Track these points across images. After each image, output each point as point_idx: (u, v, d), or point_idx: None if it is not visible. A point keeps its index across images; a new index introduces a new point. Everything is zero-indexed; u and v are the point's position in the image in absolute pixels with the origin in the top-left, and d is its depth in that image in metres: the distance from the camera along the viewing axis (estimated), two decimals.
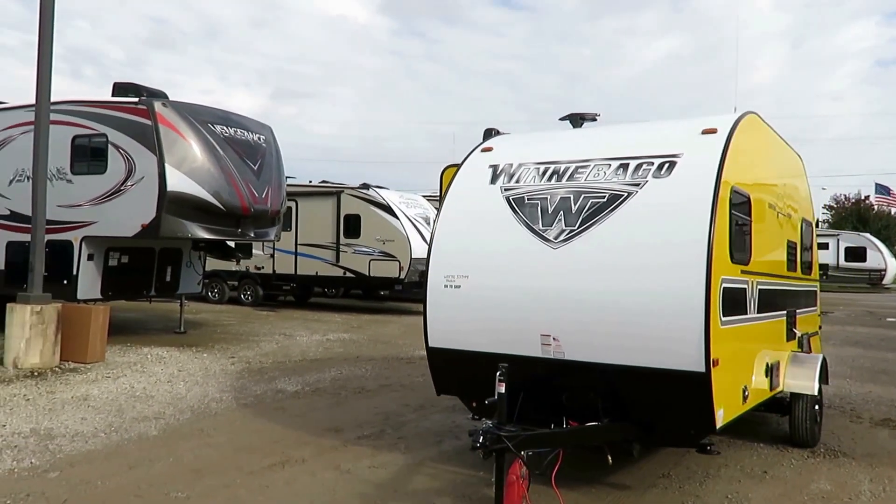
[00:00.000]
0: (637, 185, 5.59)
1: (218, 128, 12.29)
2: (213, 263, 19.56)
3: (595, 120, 7.43)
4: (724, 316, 5.31)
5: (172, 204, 11.57)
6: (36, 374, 9.98)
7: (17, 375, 9.82)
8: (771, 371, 6.72)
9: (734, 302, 5.61)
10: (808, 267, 8.59)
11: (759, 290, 6.32)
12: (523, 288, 5.83)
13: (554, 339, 5.66)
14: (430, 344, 6.35)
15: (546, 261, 5.71)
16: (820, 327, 9.39)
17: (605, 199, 5.63)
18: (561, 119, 7.61)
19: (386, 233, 19.16)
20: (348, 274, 19.89)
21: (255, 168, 12.73)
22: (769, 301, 6.65)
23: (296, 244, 20.42)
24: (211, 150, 12.00)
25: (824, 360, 7.65)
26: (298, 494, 5.81)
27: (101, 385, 9.47)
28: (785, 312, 7.36)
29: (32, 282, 10.41)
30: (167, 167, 11.49)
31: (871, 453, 7.30)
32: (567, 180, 5.93)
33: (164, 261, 13.79)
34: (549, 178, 6.03)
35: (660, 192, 5.49)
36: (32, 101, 11.73)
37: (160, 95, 12.58)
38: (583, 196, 5.74)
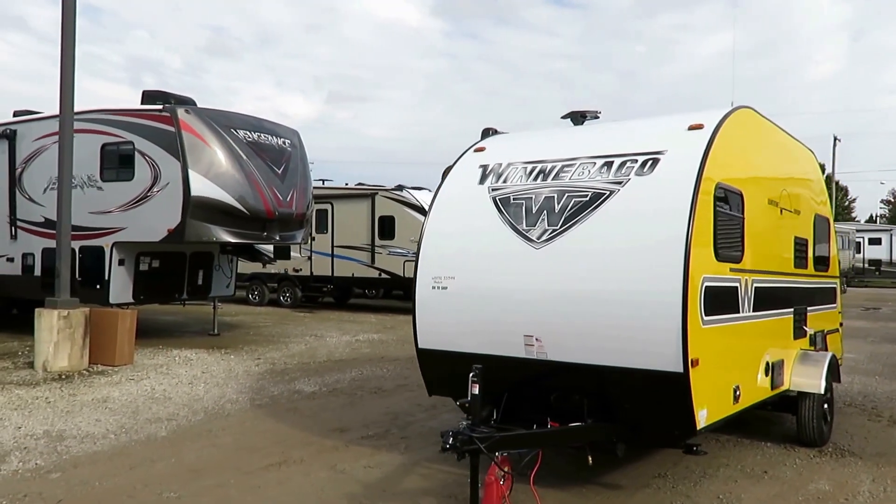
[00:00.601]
0: (619, 183, 5.53)
1: (241, 133, 12.54)
2: (254, 267, 20.03)
3: (598, 118, 7.34)
4: (706, 315, 5.21)
5: (197, 209, 11.85)
6: (63, 377, 10.34)
7: (45, 378, 10.18)
8: (773, 370, 6.57)
9: (720, 301, 5.49)
10: (823, 263, 8.35)
11: (756, 288, 6.18)
12: (507, 289, 5.82)
13: (537, 339, 5.64)
14: (420, 345, 6.38)
15: (529, 261, 5.69)
16: (841, 324, 9.11)
17: (587, 198, 5.59)
18: (563, 117, 7.55)
19: (419, 234, 19.22)
20: (383, 275, 20.05)
21: (280, 172, 12.95)
22: (769, 299, 6.49)
23: (332, 246, 20.69)
24: (234, 155, 12.26)
25: (833, 358, 7.44)
26: (288, 494, 5.90)
27: (123, 387, 9.76)
28: (792, 310, 7.17)
29: (60, 287, 10.77)
30: (191, 173, 11.78)
31: (881, 453, 7.08)
32: (552, 179, 5.90)
33: (195, 265, 14.13)
34: (536, 178, 6.00)
35: (641, 189, 5.42)
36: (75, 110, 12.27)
37: (188, 102, 12.91)
38: (566, 195, 5.70)
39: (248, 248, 14.12)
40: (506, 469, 5.22)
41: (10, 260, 13.97)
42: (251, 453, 6.95)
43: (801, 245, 7.47)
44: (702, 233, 5.19)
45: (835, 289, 8.86)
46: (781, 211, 6.90)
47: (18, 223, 13.81)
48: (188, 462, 6.68)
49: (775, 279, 6.74)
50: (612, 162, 5.67)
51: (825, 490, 6.02)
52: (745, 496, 5.86)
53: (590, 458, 5.53)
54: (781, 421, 7.82)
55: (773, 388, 6.62)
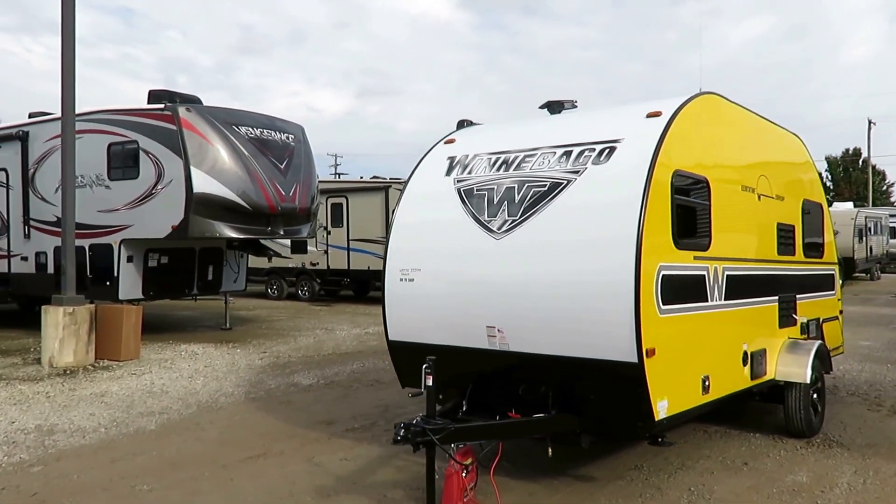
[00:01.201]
0: (577, 172, 5.45)
1: (243, 129, 12.66)
2: (272, 262, 20.19)
3: (575, 107, 7.25)
4: (664, 304, 5.12)
5: (199, 205, 12.00)
6: (68, 372, 10.55)
7: (50, 374, 10.41)
8: (752, 359, 6.44)
9: (682, 289, 5.40)
10: (815, 250, 8.16)
11: (729, 276, 6.05)
12: (469, 280, 5.79)
13: (499, 330, 5.60)
14: (390, 338, 6.39)
15: (490, 252, 5.65)
16: (841, 312, 8.89)
17: (545, 188, 5.52)
18: (540, 107, 7.47)
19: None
20: None
21: (283, 167, 13.04)
22: (745, 287, 6.36)
23: (348, 239, 20.78)
24: (236, 152, 12.37)
25: (822, 346, 7.27)
26: (258, 487, 5.94)
27: (123, 382, 9.93)
28: (776, 298, 7.02)
29: (65, 284, 10.99)
30: (193, 170, 11.92)
31: (871, 444, 6.90)
32: (514, 170, 5.84)
33: (205, 260, 14.31)
34: (499, 169, 5.95)
35: (597, 178, 5.34)
36: (82, 111, 12.54)
37: (193, 101, 13.06)
38: (526, 185, 5.64)
39: (253, 244, 14.25)
40: (467, 461, 5.22)
41: (25, 259, 14.29)
42: (233, 446, 7.02)
43: (785, 231, 7.29)
44: (657, 221, 5.09)
45: (832, 276, 8.65)
46: (759, 197, 6.74)
47: (32, 222, 14.11)
48: (169, 455, 6.77)
49: (753, 267, 6.60)
50: (571, 151, 5.60)
51: (802, 482, 5.89)
52: (719, 488, 5.76)
53: (549, 450, 5.49)
54: (777, 411, 7.65)
55: (753, 378, 6.49)
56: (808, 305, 7.77)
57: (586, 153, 5.51)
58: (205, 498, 5.69)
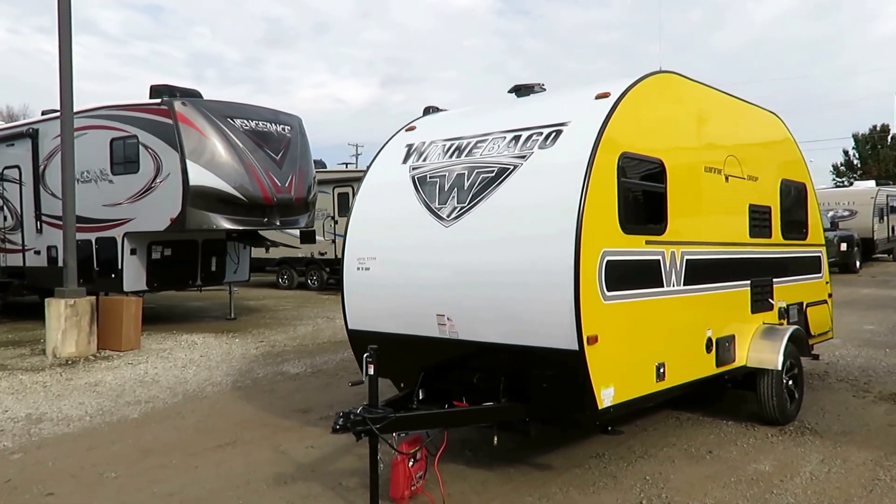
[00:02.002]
0: (523, 157, 5.40)
1: (238, 122, 12.77)
2: (283, 252, 20.40)
3: (544, 90, 7.17)
4: (609, 291, 5.06)
5: (196, 198, 12.15)
6: (70, 362, 10.79)
7: (52, 364, 10.65)
8: (718, 345, 6.35)
9: (632, 275, 5.33)
10: (797, 231, 7.99)
11: (689, 260, 5.96)
12: (420, 268, 5.79)
13: (448, 318, 5.59)
14: (349, 326, 6.41)
15: (439, 239, 5.64)
16: (830, 295, 8.71)
17: (493, 174, 5.48)
18: (509, 91, 7.41)
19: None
20: None
21: (278, 158, 13.14)
22: (708, 271, 6.26)
23: None
24: (231, 144, 12.50)
25: (798, 332, 7.13)
26: (219, 474, 6.01)
27: (119, 371, 10.12)
28: (748, 282, 6.90)
29: (66, 277, 11.22)
30: (189, 163, 12.08)
31: (847, 431, 6.77)
32: (466, 156, 5.81)
33: (208, 252, 14.50)
34: (452, 155, 5.93)
35: (542, 163, 5.28)
36: (84, 107, 12.83)
37: (194, 95, 13.18)
38: (475, 171, 5.61)
39: (250, 234, 14.39)
40: (415, 450, 5.23)
41: (38, 253, 14.62)
42: (207, 434, 7.13)
43: (760, 213, 7.15)
44: (600, 206, 5.03)
45: (818, 258, 8.46)
46: (727, 178, 6.61)
47: (43, 217, 14.42)
48: (144, 443, 6.89)
49: (720, 250, 6.49)
50: (520, 136, 5.55)
51: (764, 471, 5.79)
52: (675, 477, 5.69)
53: (496, 438, 5.47)
54: (753, 399, 7.55)
55: (719, 364, 6.39)
56: (788, 289, 7.62)
57: (534, 137, 5.45)
58: (164, 484, 5.78)
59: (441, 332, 5.65)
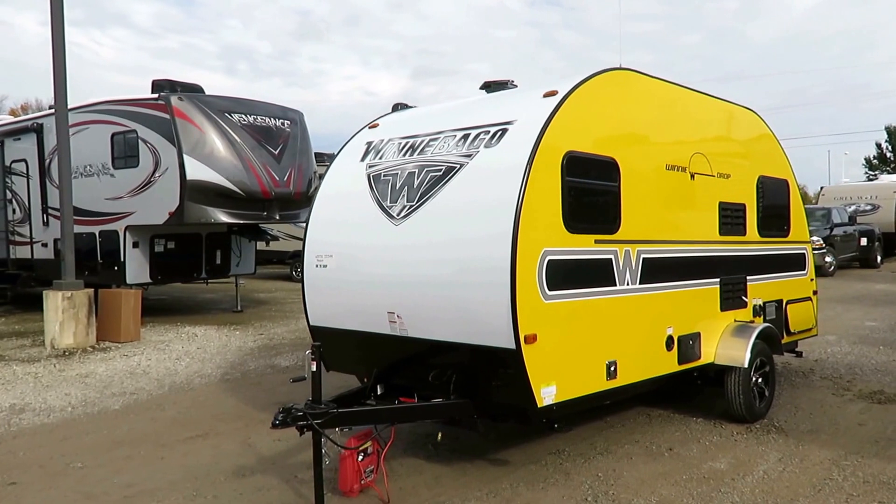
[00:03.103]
0: (469, 156, 5.41)
1: (236, 116, 12.91)
2: (297, 245, 20.54)
3: (516, 86, 7.15)
4: (550, 290, 5.06)
5: (193, 192, 12.33)
6: (66, 353, 11.02)
7: (50, 355, 10.89)
8: (680, 343, 6.31)
9: (575, 274, 5.31)
10: (776, 228, 7.88)
11: (646, 259, 5.93)
12: (372, 265, 5.82)
13: (398, 316, 5.63)
14: (311, 322, 6.48)
15: (389, 238, 5.67)
16: (814, 292, 8.58)
17: (441, 173, 5.50)
18: (480, 88, 7.39)
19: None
20: None
21: (277, 152, 13.26)
22: (669, 270, 6.22)
23: None
24: (228, 139, 12.64)
25: (768, 329, 7.04)
26: (182, 466, 6.11)
27: (111, 363, 10.32)
28: (717, 280, 6.84)
29: (64, 270, 11.47)
30: (186, 157, 12.25)
31: (815, 429, 6.70)
32: (418, 154, 5.83)
33: (212, 245, 14.70)
34: (405, 153, 5.95)
35: (486, 162, 5.28)
36: (87, 102, 13.07)
37: (195, 90, 13.36)
38: (425, 170, 5.63)
39: (251, 228, 14.55)
40: (363, 445, 5.30)
41: (45, 245, 14.95)
42: (182, 426, 7.25)
43: (731, 211, 7.07)
44: (541, 206, 5.02)
45: (802, 255, 8.35)
46: (693, 176, 6.55)
47: (49, 211, 14.72)
48: (118, 435, 7.03)
49: (683, 249, 6.43)
50: (469, 134, 5.55)
51: (718, 469, 5.76)
52: (628, 474, 5.68)
53: (439, 435, 5.51)
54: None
55: (682, 362, 6.36)
56: (765, 287, 7.54)
57: (481, 136, 5.46)
58: (125, 475, 5.90)
59: (392, 330, 5.69)
